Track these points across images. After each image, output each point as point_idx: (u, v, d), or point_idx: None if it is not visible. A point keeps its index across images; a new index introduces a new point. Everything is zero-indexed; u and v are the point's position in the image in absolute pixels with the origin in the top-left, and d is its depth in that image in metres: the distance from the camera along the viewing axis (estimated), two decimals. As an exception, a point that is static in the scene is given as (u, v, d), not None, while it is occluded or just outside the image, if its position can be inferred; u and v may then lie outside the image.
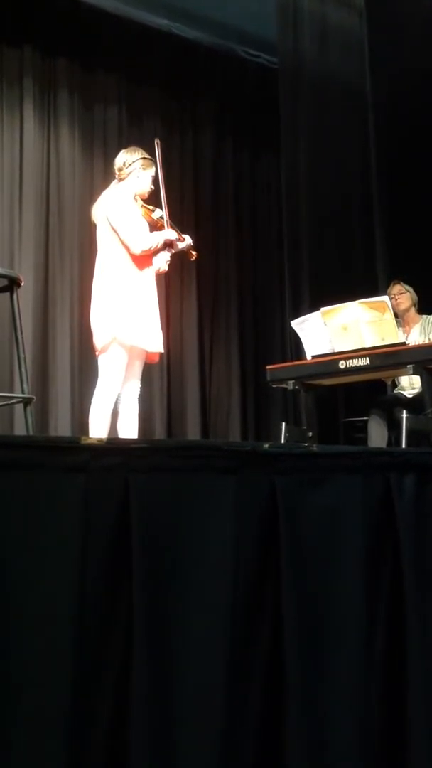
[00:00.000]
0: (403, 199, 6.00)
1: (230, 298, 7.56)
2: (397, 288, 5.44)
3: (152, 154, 4.59)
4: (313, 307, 5.26)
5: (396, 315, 5.38)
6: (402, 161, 6.02)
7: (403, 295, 5.39)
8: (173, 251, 4.53)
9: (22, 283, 3.63)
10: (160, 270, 4.54)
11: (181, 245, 4.59)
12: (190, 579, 1.64)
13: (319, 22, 6.79)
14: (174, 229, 4.55)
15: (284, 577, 1.76)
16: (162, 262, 4.50)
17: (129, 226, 4.32)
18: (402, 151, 6.03)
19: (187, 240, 4.63)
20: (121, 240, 4.30)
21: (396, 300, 5.38)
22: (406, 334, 5.31)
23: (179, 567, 1.63)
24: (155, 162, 4.55)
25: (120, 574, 1.56)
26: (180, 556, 1.64)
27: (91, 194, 6.70)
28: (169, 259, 4.55)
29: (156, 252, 4.40)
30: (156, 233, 4.42)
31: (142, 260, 4.36)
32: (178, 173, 7.11)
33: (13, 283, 3.49)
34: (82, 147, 6.73)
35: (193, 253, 4.73)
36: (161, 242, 4.40)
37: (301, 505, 1.84)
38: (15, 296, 3.50)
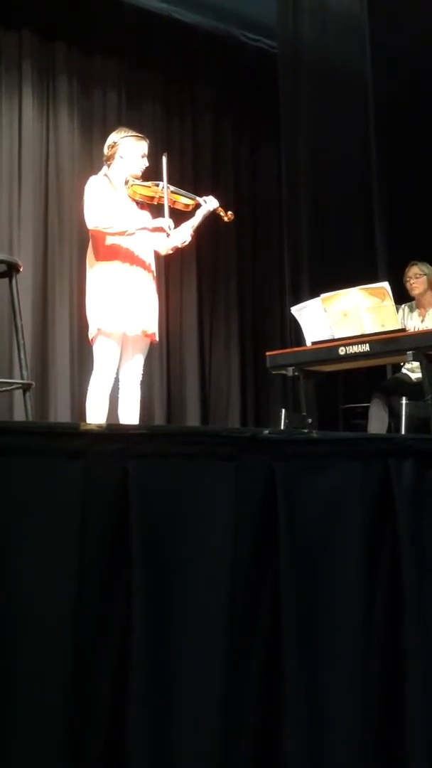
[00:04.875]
0: (404, 185, 5.98)
1: (230, 284, 7.55)
2: (413, 270, 5.33)
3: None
4: (313, 293, 5.25)
5: (411, 299, 5.36)
6: (403, 147, 6.00)
7: (420, 279, 5.28)
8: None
9: (21, 269, 3.62)
10: (183, 243, 4.49)
11: (197, 216, 4.46)
12: (189, 566, 1.64)
13: (319, 6, 6.75)
14: (185, 195, 4.45)
15: (283, 564, 1.76)
16: (180, 237, 4.44)
17: (87, 202, 4.26)
18: (403, 137, 6.01)
19: (210, 203, 4.50)
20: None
21: (411, 283, 5.31)
22: (421, 317, 5.30)
23: (178, 554, 1.63)
24: (143, 138, 4.47)
25: (119, 561, 1.56)
26: (179, 542, 1.64)
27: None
28: (190, 231, 4.46)
29: (114, 233, 4.24)
30: (123, 219, 4.25)
31: (116, 249, 4.28)
32: (177, 158, 7.08)
33: (12, 269, 3.49)
34: (81, 132, 6.71)
35: (227, 214, 4.56)
36: (121, 227, 4.21)
37: (300, 492, 1.84)
38: (14, 282, 3.50)
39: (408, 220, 5.90)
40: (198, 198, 4.51)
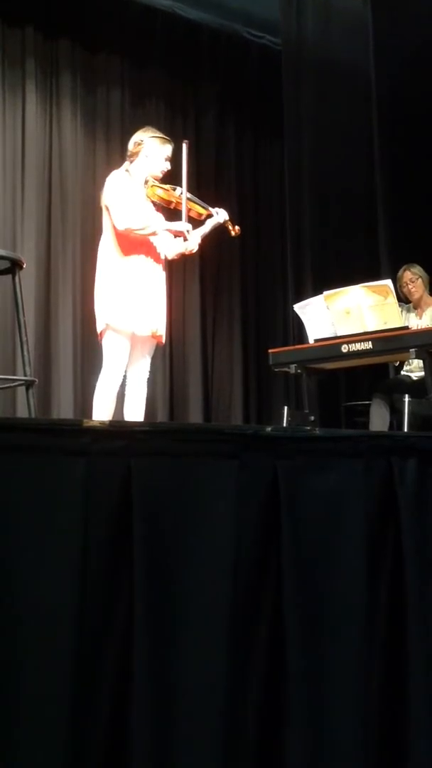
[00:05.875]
0: (407, 183, 5.97)
1: (233, 281, 7.54)
2: (408, 276, 5.35)
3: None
4: (316, 290, 5.24)
5: (406, 298, 5.39)
6: (406, 144, 5.99)
7: (415, 282, 5.32)
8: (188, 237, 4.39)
9: (24, 266, 3.62)
10: (188, 250, 4.49)
11: (207, 225, 4.48)
12: (191, 565, 1.64)
13: (323, 3, 6.75)
14: (198, 204, 4.47)
15: (285, 563, 1.76)
16: (186, 243, 4.45)
17: (116, 202, 4.23)
18: (406, 135, 6.00)
19: (220, 215, 4.51)
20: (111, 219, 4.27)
21: (409, 288, 5.33)
22: (418, 317, 5.31)
23: (180, 552, 1.63)
24: (169, 141, 4.48)
25: (121, 559, 1.56)
26: (181, 541, 1.64)
27: (93, 176, 6.68)
28: (197, 239, 4.47)
29: (145, 234, 4.23)
30: (152, 220, 4.28)
31: (138, 245, 4.29)
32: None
33: (15, 266, 3.49)
34: (84, 129, 6.70)
35: (234, 228, 4.58)
36: (151, 229, 4.23)
37: (302, 489, 1.84)
38: (17, 279, 3.49)
39: (411, 218, 5.90)
40: (210, 209, 4.53)
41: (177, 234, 4.35)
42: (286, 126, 6.79)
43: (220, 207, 4.62)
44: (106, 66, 6.88)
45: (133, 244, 4.26)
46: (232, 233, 4.64)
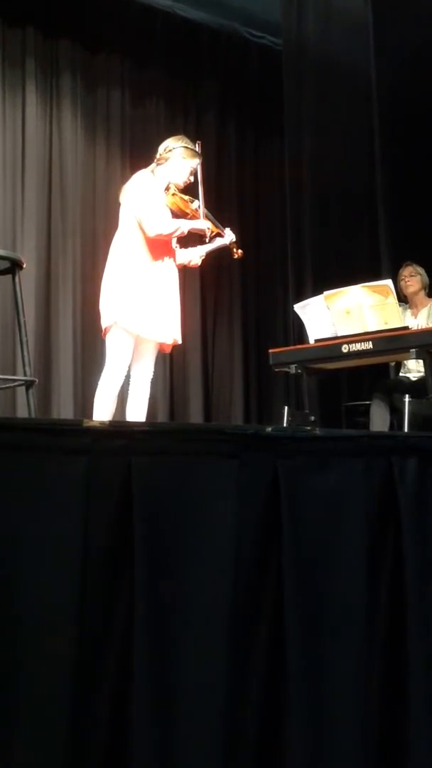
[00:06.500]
0: (407, 182, 5.97)
1: (233, 281, 7.54)
2: (408, 270, 5.46)
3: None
4: (316, 290, 5.24)
5: (405, 297, 5.42)
6: (406, 144, 5.99)
7: (414, 277, 5.42)
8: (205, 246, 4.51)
9: (24, 266, 3.63)
10: (191, 263, 4.55)
11: (214, 243, 4.56)
12: (192, 564, 1.64)
13: (323, 2, 6.75)
14: (212, 221, 4.52)
15: (285, 563, 1.76)
16: (190, 255, 4.50)
17: (147, 207, 4.26)
18: (406, 135, 6.00)
19: (228, 236, 4.59)
20: (138, 222, 4.28)
21: (406, 282, 5.42)
22: (413, 317, 5.32)
23: (181, 551, 1.63)
24: (198, 155, 4.51)
25: (121, 559, 1.56)
26: (181, 540, 1.64)
27: (93, 176, 6.69)
28: (202, 254, 4.54)
29: (173, 238, 4.31)
30: (179, 220, 4.33)
31: (160, 248, 4.30)
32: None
33: (15, 266, 3.49)
34: (84, 129, 6.70)
35: (237, 251, 4.68)
36: (181, 230, 4.30)
37: (303, 489, 1.84)
38: (17, 279, 3.50)
39: (411, 218, 5.90)
40: (221, 228, 4.59)
41: (199, 232, 4.45)
42: (286, 126, 6.79)
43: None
44: (106, 66, 6.88)
45: (158, 248, 4.28)
46: (235, 256, 4.73)
